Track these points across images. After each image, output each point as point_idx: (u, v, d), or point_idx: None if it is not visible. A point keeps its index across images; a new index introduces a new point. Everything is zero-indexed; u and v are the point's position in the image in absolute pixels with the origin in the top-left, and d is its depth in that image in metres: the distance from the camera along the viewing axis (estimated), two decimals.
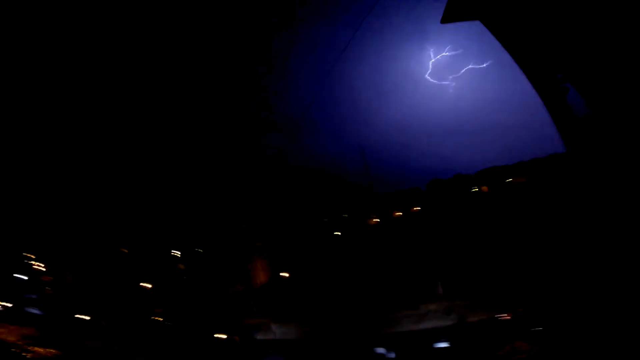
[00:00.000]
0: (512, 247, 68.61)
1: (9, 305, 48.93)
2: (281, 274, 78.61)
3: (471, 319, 43.53)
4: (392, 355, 41.10)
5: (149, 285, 63.89)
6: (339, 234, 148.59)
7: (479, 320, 42.53)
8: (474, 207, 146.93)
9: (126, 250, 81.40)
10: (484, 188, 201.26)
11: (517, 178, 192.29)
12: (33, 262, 67.89)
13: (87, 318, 54.89)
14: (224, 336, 43.45)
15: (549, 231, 75.23)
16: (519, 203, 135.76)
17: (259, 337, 55.80)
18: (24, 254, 70.65)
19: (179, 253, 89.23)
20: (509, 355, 28.07)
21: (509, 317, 38.99)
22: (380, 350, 42.48)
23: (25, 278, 62.55)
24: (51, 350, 38.98)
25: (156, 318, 61.56)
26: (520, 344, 28.56)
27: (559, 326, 33.83)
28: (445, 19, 22.82)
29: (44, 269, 68.37)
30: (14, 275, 60.13)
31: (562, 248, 61.93)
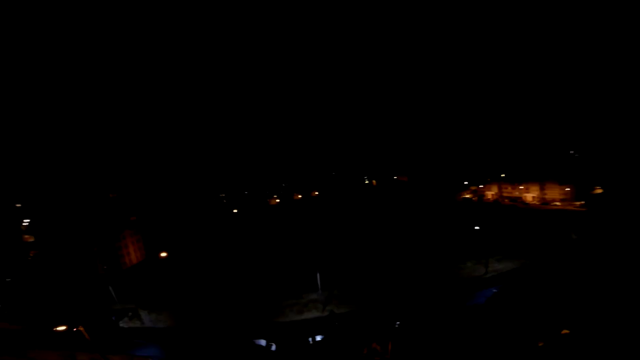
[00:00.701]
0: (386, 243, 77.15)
1: None
2: (159, 254, 71.18)
3: (341, 310, 47.46)
4: (273, 347, 41.28)
5: None
6: (237, 211, 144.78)
7: (346, 312, 46.71)
8: (362, 200, 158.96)
9: None
10: (374, 182, 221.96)
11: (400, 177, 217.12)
12: None
13: None
14: (64, 327, 36.01)
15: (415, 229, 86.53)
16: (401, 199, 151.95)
17: (125, 324, 49.62)
18: None
19: (27, 221, 71.54)
20: (368, 356, 30.91)
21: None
22: (262, 342, 42.24)
23: None
24: None
25: None
26: (375, 345, 31.66)
27: (413, 326, 38.54)
28: None
29: None
30: None
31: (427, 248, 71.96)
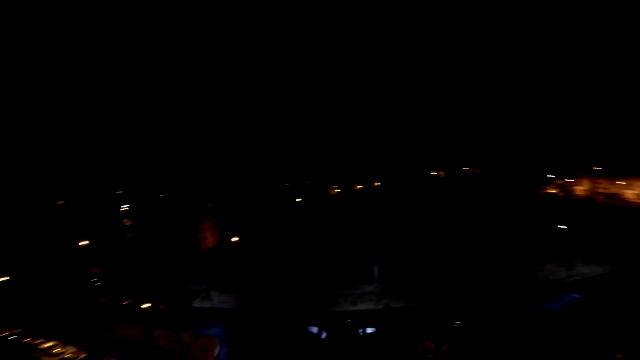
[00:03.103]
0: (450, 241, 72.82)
1: None
2: (231, 238, 77.21)
3: (397, 305, 46.43)
4: (324, 335, 42.69)
5: (86, 242, 58.66)
6: (300, 200, 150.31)
7: (402, 307, 45.60)
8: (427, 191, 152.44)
9: (62, 202, 74.81)
10: (442, 173, 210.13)
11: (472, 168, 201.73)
12: None
13: (5, 278, 51.34)
14: (149, 305, 41.54)
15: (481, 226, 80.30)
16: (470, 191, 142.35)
17: (197, 304, 55.36)
18: None
19: (127, 207, 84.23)
20: (421, 354, 29.97)
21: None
22: (314, 329, 43.83)
23: None
24: None
25: (92, 280, 58.31)
26: (429, 343, 30.47)
27: (469, 325, 36.04)
28: None
29: None
30: None
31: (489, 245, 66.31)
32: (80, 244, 58.58)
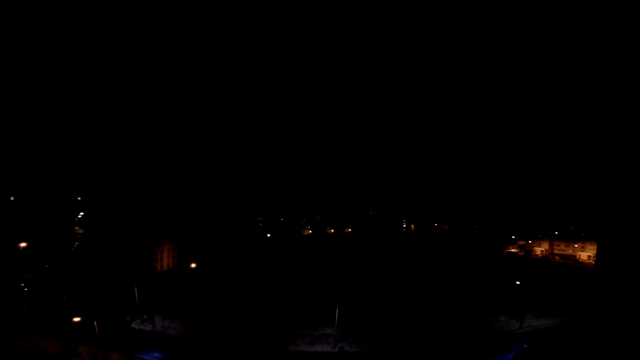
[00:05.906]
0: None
1: None
2: (190, 264, 73.63)
3: (353, 349, 44.91)
4: None
5: (23, 244, 53.79)
6: (269, 235, 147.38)
7: (358, 352, 44.14)
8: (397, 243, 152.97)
9: (12, 198, 69.16)
10: (412, 226, 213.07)
11: (441, 224, 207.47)
12: None
13: None
14: (79, 319, 37.59)
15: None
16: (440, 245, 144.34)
17: (137, 325, 50.90)
18: None
19: (81, 214, 78.99)
20: None
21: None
22: None
23: None
24: None
25: (20, 284, 52.45)
26: None
27: None
28: None
29: None
30: None
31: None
32: (20, 245, 53.69)
